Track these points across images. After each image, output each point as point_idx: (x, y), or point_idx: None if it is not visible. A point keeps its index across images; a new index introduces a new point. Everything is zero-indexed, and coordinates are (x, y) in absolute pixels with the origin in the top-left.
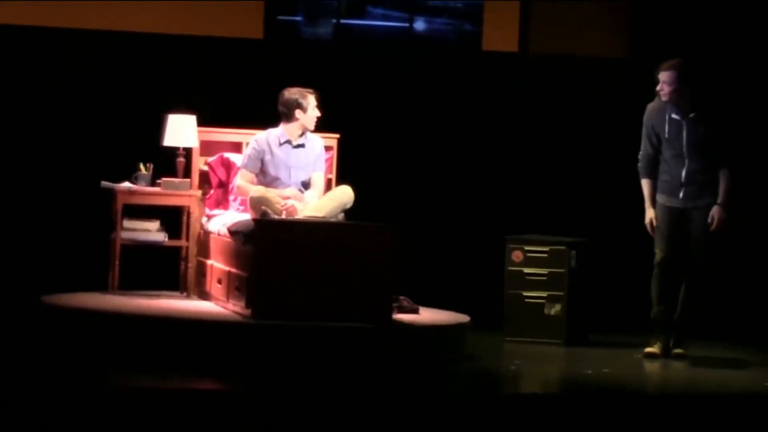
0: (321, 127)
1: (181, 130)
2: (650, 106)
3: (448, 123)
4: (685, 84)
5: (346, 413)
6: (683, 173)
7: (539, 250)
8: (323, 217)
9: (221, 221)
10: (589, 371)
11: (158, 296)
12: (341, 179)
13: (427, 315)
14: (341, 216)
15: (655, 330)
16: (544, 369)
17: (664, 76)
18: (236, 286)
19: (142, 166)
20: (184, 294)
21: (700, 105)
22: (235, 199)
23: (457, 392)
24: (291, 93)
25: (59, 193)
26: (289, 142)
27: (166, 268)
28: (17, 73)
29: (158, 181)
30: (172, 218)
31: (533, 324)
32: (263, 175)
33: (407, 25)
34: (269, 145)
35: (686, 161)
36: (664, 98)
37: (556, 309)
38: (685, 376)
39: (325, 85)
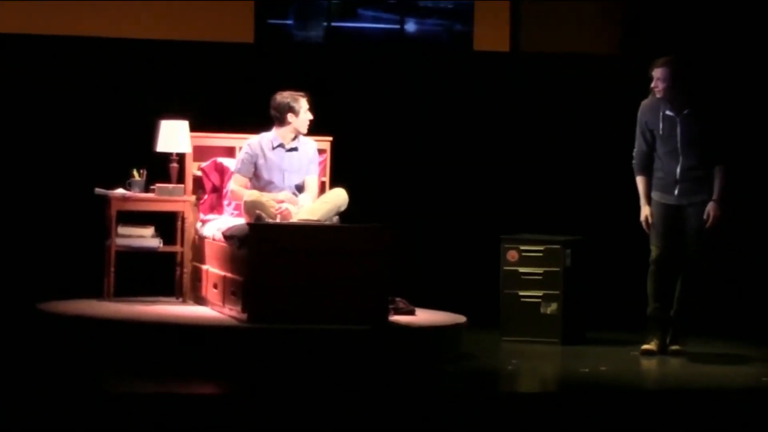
0: (314, 129)
1: (173, 135)
2: (644, 103)
3: (441, 123)
4: (680, 81)
5: (344, 415)
6: (678, 170)
7: (534, 250)
8: (318, 220)
9: (216, 226)
10: (586, 369)
11: (154, 302)
12: (335, 182)
13: (423, 316)
14: (336, 219)
15: (651, 327)
16: (541, 368)
17: (658, 72)
18: (232, 291)
19: (135, 172)
20: (180, 299)
21: (694, 102)
22: (229, 204)
23: (454, 392)
24: (283, 97)
25: (53, 200)
26: (282, 145)
27: (161, 273)
28: (10, 80)
29: (152, 186)
30: (167, 224)
31: (530, 323)
32: (257, 180)
33: (398, 26)
34: (262, 149)
35: (681, 158)
36: (658, 95)
37: (552, 308)
38: (682, 372)
39: (317, 87)
